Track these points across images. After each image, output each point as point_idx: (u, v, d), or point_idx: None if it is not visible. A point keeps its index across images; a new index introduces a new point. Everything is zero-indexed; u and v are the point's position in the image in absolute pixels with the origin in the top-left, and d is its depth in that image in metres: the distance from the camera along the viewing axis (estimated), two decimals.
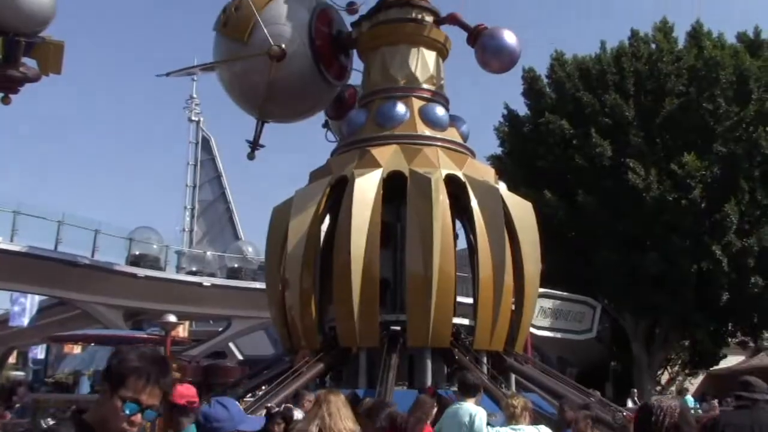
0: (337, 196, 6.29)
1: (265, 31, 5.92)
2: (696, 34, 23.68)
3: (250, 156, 6.59)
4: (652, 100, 22.46)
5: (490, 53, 5.89)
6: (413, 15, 6.25)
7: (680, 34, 24.33)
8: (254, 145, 6.60)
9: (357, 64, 7.61)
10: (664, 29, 24.29)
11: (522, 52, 5.85)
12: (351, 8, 6.79)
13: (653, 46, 23.70)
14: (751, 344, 25.80)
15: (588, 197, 21.62)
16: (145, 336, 18.36)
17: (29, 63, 5.25)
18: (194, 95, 39.41)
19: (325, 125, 7.83)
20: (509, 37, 5.81)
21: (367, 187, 5.71)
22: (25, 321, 24.67)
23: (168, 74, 7.48)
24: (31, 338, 30.01)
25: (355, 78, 8.34)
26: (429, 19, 6.29)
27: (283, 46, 6.09)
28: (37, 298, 24.20)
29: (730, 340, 24.72)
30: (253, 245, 25.27)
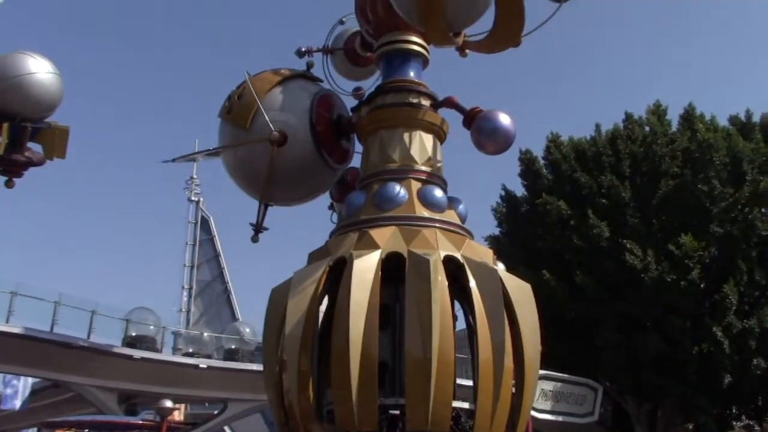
0: (336, 278, 6.29)
1: (266, 117, 6.03)
2: (689, 117, 24.15)
3: (254, 239, 6.62)
4: (648, 181, 22.73)
5: (486, 135, 5.99)
6: (410, 99, 6.37)
7: (674, 117, 24.85)
8: (258, 228, 6.64)
9: (359, 146, 7.75)
10: (658, 112, 24.79)
11: (517, 133, 5.96)
12: (357, 93, 6.95)
13: (647, 128, 24.14)
14: (757, 428, 25.30)
15: (587, 278, 21.60)
16: (140, 422, 17.98)
17: (34, 147, 5.34)
18: (194, 176, 39.90)
19: (331, 207, 7.91)
20: (504, 119, 5.92)
21: (365, 269, 5.72)
22: (18, 404, 24.21)
23: (174, 160, 7.63)
24: (23, 421, 29.38)
25: (357, 161, 8.54)
26: (426, 103, 6.42)
27: (284, 131, 6.19)
28: (30, 380, 23.83)
29: (735, 423, 24.25)
30: (251, 326, 25.05)
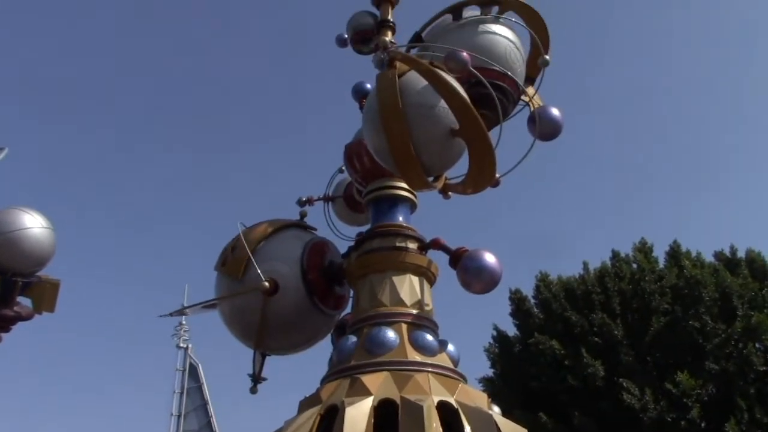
0: (328, 426, 6.13)
1: (257, 267, 6.08)
2: (675, 253, 24.47)
3: (253, 390, 6.50)
4: (639, 318, 22.69)
5: (471, 274, 5.98)
6: (397, 243, 6.43)
7: (660, 254, 25.16)
8: (256, 379, 6.54)
9: None
10: (644, 249, 25.13)
11: (505, 272, 5.96)
12: (359, 238, 7.07)
13: (635, 265, 24.38)
14: None
15: (584, 419, 21.12)
16: None
17: (23, 301, 5.33)
18: (183, 322, 39.50)
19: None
20: (489, 258, 5.94)
21: (357, 417, 5.56)
22: None
23: (171, 314, 7.59)
24: None
25: None
26: (413, 246, 6.46)
27: (275, 280, 6.22)
28: None
29: None
30: None
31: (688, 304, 22.12)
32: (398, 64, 5.44)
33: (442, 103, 5.27)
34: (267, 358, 6.76)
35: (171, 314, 7.60)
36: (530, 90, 6.54)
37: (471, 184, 5.84)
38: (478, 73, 5.42)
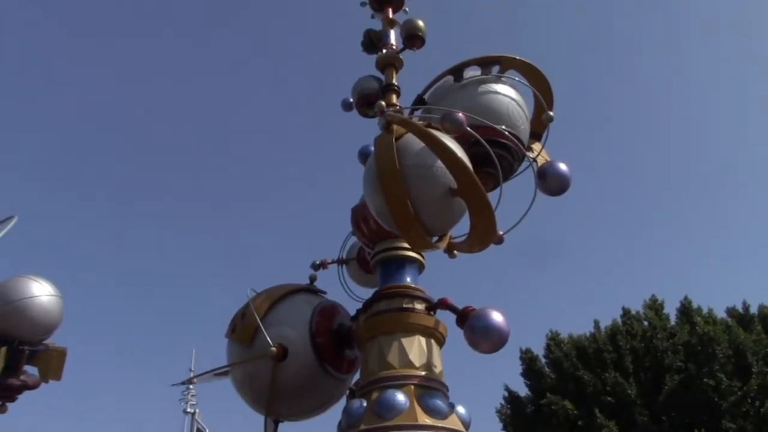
0: None
1: (265, 333, 6.06)
2: (686, 310, 24.27)
3: None
4: (653, 377, 22.38)
5: (479, 334, 5.92)
6: (404, 305, 6.39)
7: (671, 310, 24.94)
8: None
9: None
10: (655, 306, 24.93)
11: (515, 331, 5.89)
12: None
13: (646, 323, 24.16)
14: None
15: None
16: None
17: (30, 370, 5.29)
18: (191, 386, 39.06)
19: None
20: (497, 317, 5.88)
21: None
22: None
23: (183, 383, 7.55)
24: None
25: None
26: (420, 306, 6.43)
27: (284, 346, 6.19)
28: None
29: None
30: None
31: (702, 361, 21.82)
32: (396, 126, 5.52)
33: (440, 163, 5.32)
34: (280, 424, 6.68)
35: (183, 383, 7.57)
36: (537, 146, 6.59)
37: (474, 243, 5.84)
38: (475, 133, 5.49)
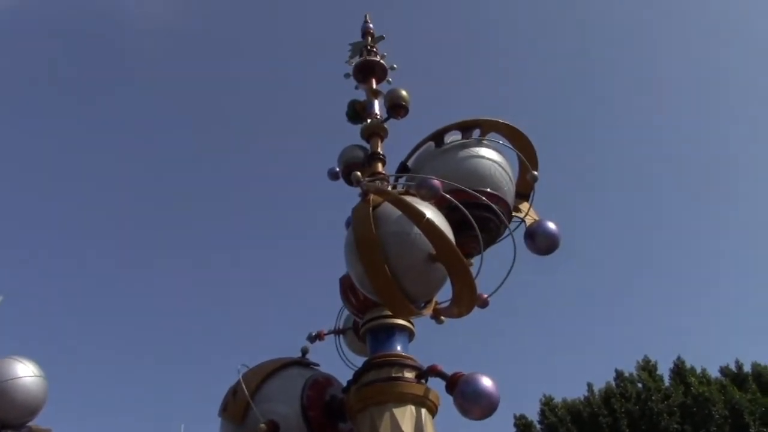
0: None
1: (256, 410, 5.99)
2: (679, 370, 24.13)
3: None
4: None
5: (469, 400, 5.81)
6: (393, 374, 6.31)
7: (664, 371, 24.80)
8: None
9: None
10: (648, 367, 24.78)
11: (501, 396, 5.79)
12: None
13: (640, 385, 23.97)
14: None
15: None
16: None
17: None
18: None
19: None
20: (486, 382, 5.78)
21: None
22: None
23: None
24: None
25: None
26: (410, 375, 6.35)
27: (275, 421, 6.11)
28: None
29: None
30: None
31: (699, 422, 21.60)
32: (373, 196, 5.58)
33: (418, 230, 5.36)
34: None
35: None
36: (525, 206, 6.64)
37: (457, 307, 5.83)
38: (452, 198, 5.54)
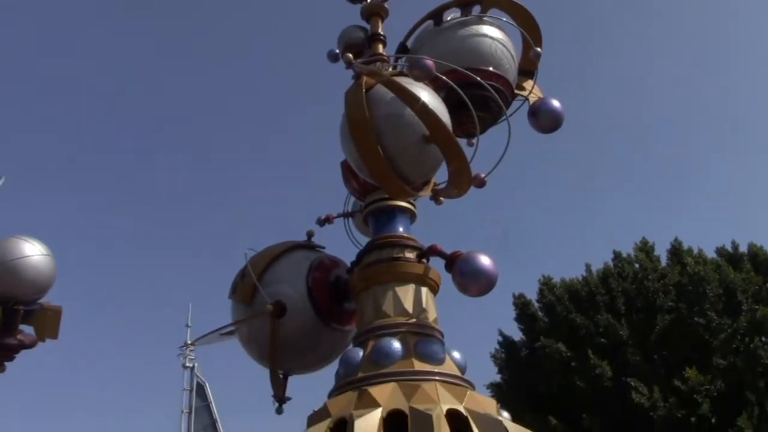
0: None
1: (263, 292, 6.13)
2: (676, 251, 24.49)
3: (279, 411, 6.54)
4: (644, 317, 22.68)
5: (467, 278, 5.95)
6: (394, 254, 6.42)
7: (661, 252, 25.17)
8: (279, 399, 6.58)
9: None
10: (645, 248, 25.14)
11: (499, 273, 5.90)
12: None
13: (637, 265, 24.39)
14: None
15: (594, 420, 21.06)
16: None
17: (26, 330, 5.35)
18: (188, 341, 39.34)
19: None
20: (484, 260, 5.89)
21: (367, 429, 5.55)
22: None
23: (191, 344, 7.68)
24: None
25: None
26: (411, 255, 6.46)
27: (281, 302, 6.27)
28: None
29: None
30: None
31: (693, 300, 22.11)
32: (365, 78, 5.50)
33: (410, 111, 5.31)
34: (289, 377, 6.79)
35: (191, 344, 7.68)
36: (528, 84, 6.53)
37: (454, 187, 5.84)
38: (446, 78, 5.46)
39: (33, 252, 5.22)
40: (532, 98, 6.45)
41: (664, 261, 24.90)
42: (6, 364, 5.28)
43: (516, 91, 6.39)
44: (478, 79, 5.94)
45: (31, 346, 5.32)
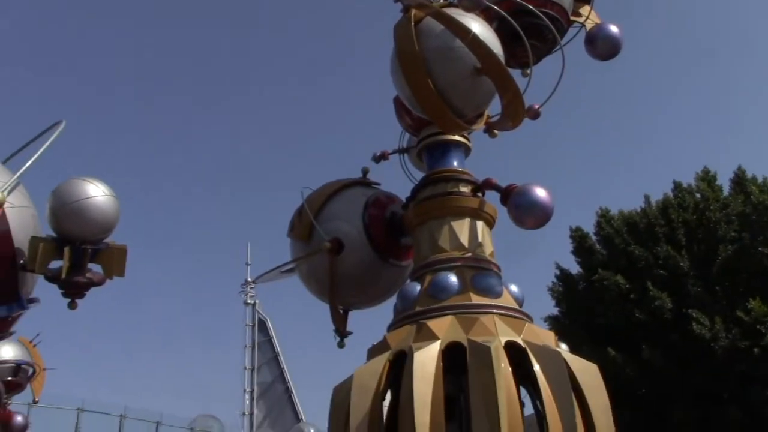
0: (397, 372, 6.23)
1: (319, 229, 6.22)
2: (740, 180, 23.81)
3: (341, 345, 6.74)
4: (706, 248, 22.27)
5: (523, 210, 5.92)
6: (449, 188, 6.41)
7: (724, 182, 24.51)
8: (341, 334, 6.75)
9: None
10: (707, 178, 24.52)
11: (554, 206, 5.84)
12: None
13: (698, 195, 23.84)
14: None
15: (654, 352, 20.97)
16: None
17: (94, 268, 5.51)
18: (249, 278, 40.19)
19: None
20: (540, 192, 5.84)
21: (426, 361, 5.64)
22: None
23: (254, 280, 7.90)
24: None
25: None
26: (466, 189, 6.44)
27: (339, 239, 6.37)
28: None
29: None
30: (315, 426, 24.69)
31: (757, 230, 21.58)
32: (414, 11, 5.40)
33: (460, 43, 5.21)
34: (350, 312, 6.93)
35: (254, 281, 7.89)
36: (585, 10, 6.35)
37: (508, 119, 5.76)
38: (497, 8, 5.34)
39: (97, 192, 5.33)
40: (589, 24, 6.27)
41: (726, 190, 24.25)
42: (77, 301, 5.46)
43: (572, 18, 6.22)
44: (531, 7, 5.80)
45: (99, 283, 5.48)
